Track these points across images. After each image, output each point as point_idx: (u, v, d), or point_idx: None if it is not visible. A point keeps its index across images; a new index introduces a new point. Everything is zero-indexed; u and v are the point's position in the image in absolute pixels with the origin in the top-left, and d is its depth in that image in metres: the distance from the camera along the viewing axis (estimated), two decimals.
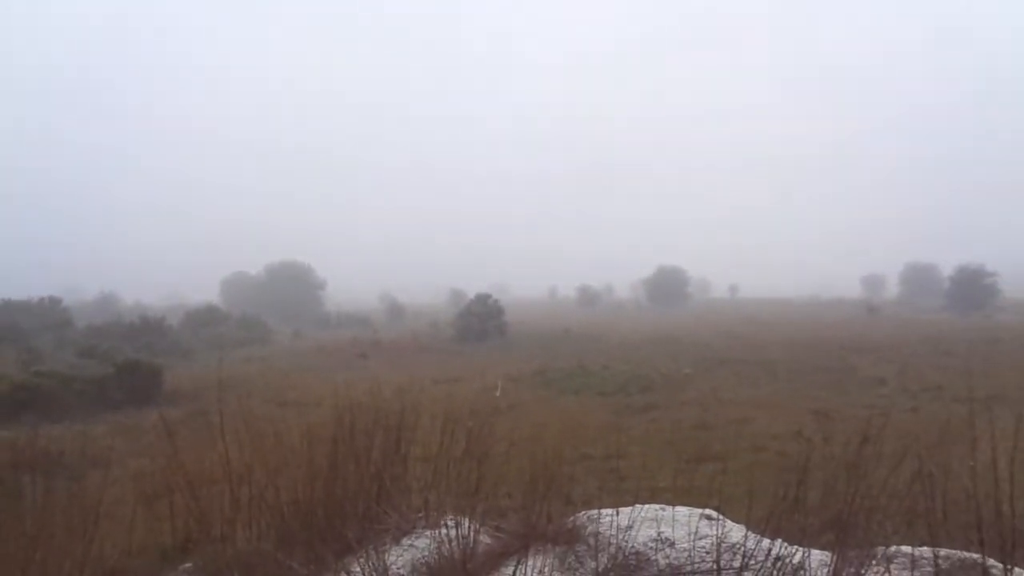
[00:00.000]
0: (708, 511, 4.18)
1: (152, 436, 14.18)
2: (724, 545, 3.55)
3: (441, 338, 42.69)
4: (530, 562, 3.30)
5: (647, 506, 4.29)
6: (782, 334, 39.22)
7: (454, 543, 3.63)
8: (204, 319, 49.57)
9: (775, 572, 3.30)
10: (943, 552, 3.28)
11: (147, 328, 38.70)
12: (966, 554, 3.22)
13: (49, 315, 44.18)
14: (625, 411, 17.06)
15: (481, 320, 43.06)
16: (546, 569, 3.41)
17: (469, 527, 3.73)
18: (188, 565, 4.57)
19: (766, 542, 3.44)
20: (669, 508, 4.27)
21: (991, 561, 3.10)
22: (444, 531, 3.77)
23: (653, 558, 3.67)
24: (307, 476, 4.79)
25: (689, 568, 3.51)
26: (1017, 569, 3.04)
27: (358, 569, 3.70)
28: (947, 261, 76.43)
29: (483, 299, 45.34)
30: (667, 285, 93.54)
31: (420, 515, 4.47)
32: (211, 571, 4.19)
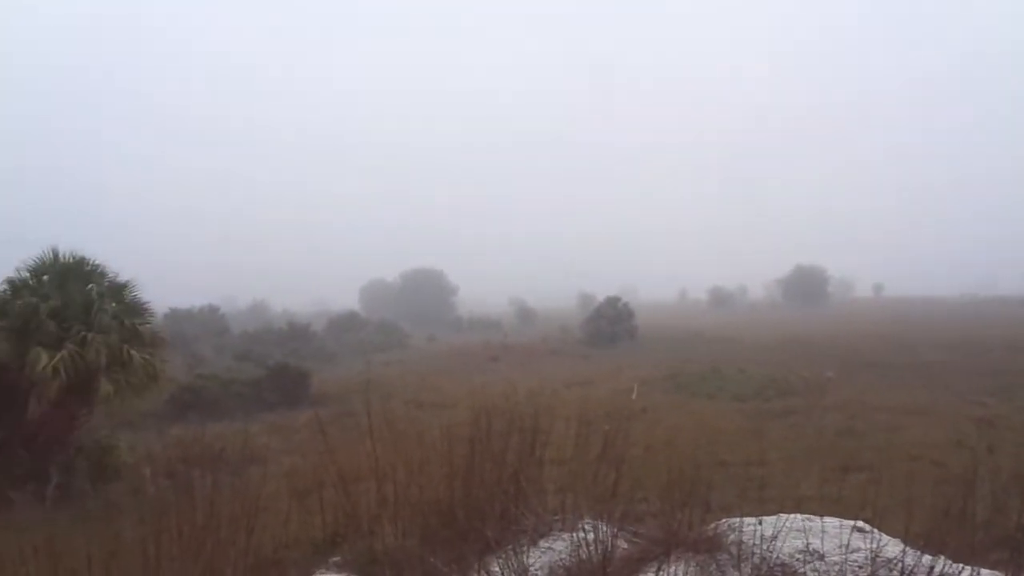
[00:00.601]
0: (860, 523, 3.95)
1: (302, 435, 15.08)
2: (879, 560, 3.35)
3: (571, 341, 42.74)
4: (670, 569, 3.24)
5: (792, 516, 4.11)
6: (937, 335, 36.50)
7: (592, 547, 3.62)
8: (346, 325, 52.07)
9: None
10: None
11: (295, 334, 41.09)
12: None
13: (209, 322, 47.86)
14: (763, 416, 16.42)
15: (611, 323, 42.77)
16: None
17: (607, 531, 3.71)
18: (337, 558, 4.81)
19: (927, 558, 3.22)
20: (816, 518, 4.07)
21: None
22: (581, 534, 3.76)
23: (801, 571, 3.51)
24: (446, 476, 4.93)
25: None
26: None
27: (498, 569, 3.76)
28: None
29: (613, 302, 45.02)
30: (805, 285, 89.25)
31: (557, 517, 4.49)
32: (359, 565, 4.39)
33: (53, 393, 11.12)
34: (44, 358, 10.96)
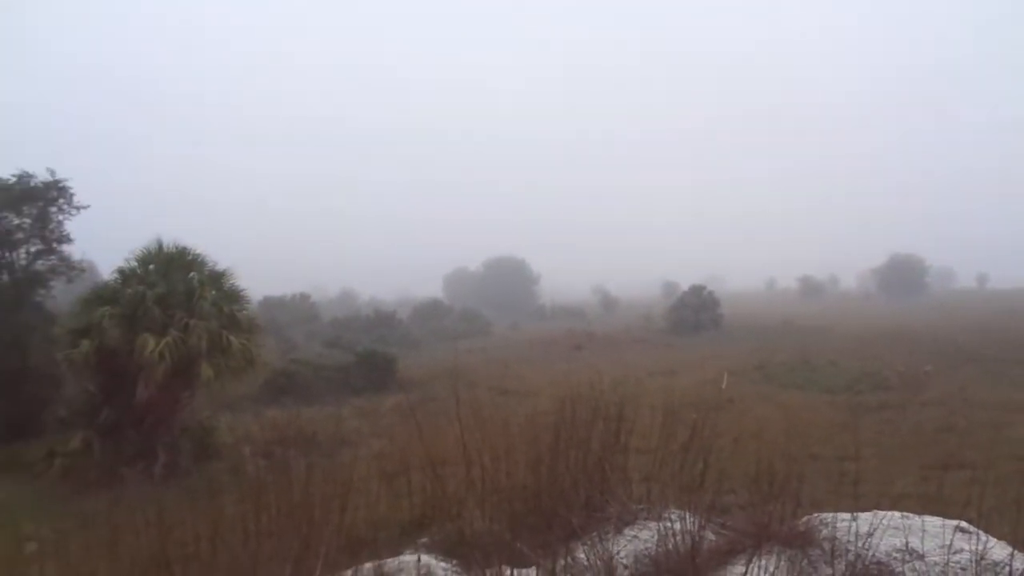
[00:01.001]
0: (963, 523, 3.78)
1: (389, 419, 15.46)
2: (985, 562, 3.21)
3: (654, 330, 42.24)
4: (760, 562, 3.18)
5: (889, 513, 3.97)
6: None
7: (679, 537, 3.59)
8: (430, 312, 53.00)
9: None
10: None
11: (381, 321, 42.12)
12: None
13: (300, 310, 49.58)
14: (855, 410, 15.84)
15: (695, 312, 42.06)
16: (777, 572, 3.26)
17: (694, 521, 3.67)
18: (425, 540, 4.93)
19: None
20: (915, 517, 3.92)
21: None
22: (668, 524, 3.74)
23: (898, 570, 3.39)
24: (531, 462, 4.98)
25: None
26: None
27: (583, 556, 3.78)
28: None
29: (697, 290, 44.24)
30: (901, 275, 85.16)
31: (642, 506, 4.47)
32: (447, 547, 4.48)
33: (159, 377, 11.78)
34: (151, 343, 11.62)
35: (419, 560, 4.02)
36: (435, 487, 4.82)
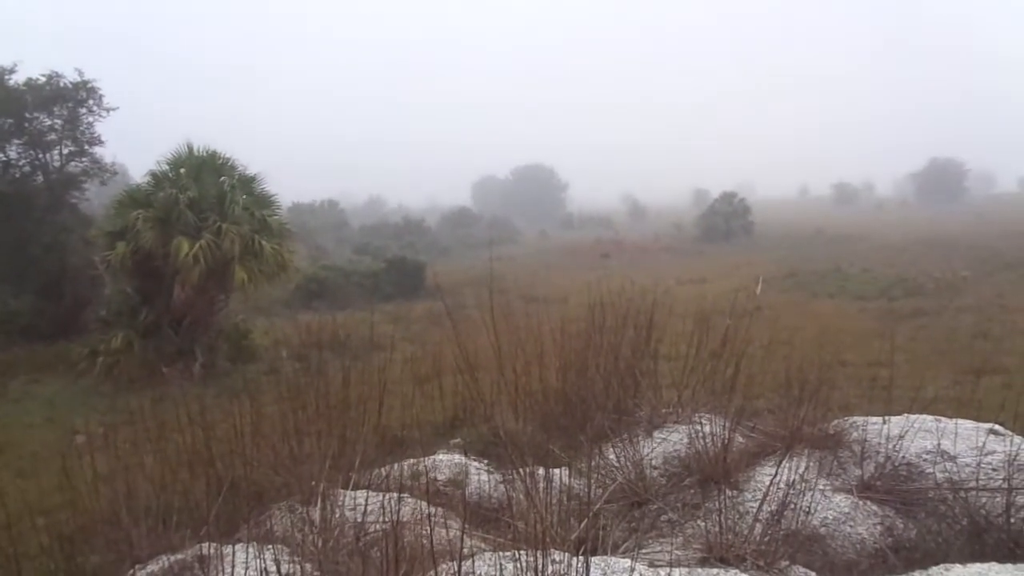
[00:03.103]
0: (996, 426, 3.78)
1: (420, 325, 15.70)
2: (1017, 463, 3.21)
3: (684, 239, 41.86)
4: (790, 464, 3.21)
5: (921, 416, 3.97)
6: None
7: (708, 439, 3.64)
8: (458, 220, 52.89)
9: None
10: None
11: (409, 228, 42.25)
12: None
13: (328, 216, 49.80)
14: (888, 317, 15.69)
15: (726, 220, 41.46)
16: (807, 473, 3.30)
17: (724, 425, 3.70)
18: (458, 440, 5.06)
19: None
20: (947, 420, 3.92)
21: None
22: (697, 427, 3.78)
23: (929, 471, 3.41)
24: (562, 367, 5.04)
25: (972, 484, 3.22)
26: None
27: (613, 457, 3.86)
28: None
29: (728, 198, 43.47)
30: (940, 180, 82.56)
31: (671, 411, 4.53)
32: (480, 446, 4.61)
33: (195, 279, 11.97)
34: (186, 247, 11.76)
35: (455, 458, 4.15)
36: (470, 389, 4.90)
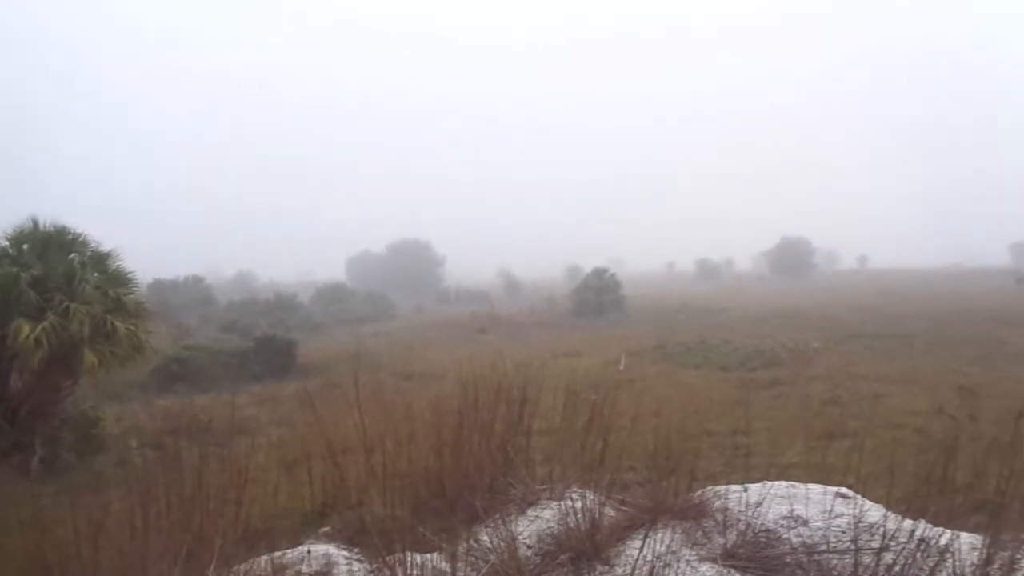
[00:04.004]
0: (843, 490, 4.00)
1: (289, 406, 15.08)
2: (862, 525, 3.40)
3: (558, 312, 42.85)
4: (657, 536, 3.28)
5: (777, 483, 4.16)
6: (920, 306, 36.84)
7: (579, 515, 3.65)
8: (332, 296, 51.93)
9: (918, 554, 3.13)
10: None
11: (281, 304, 40.99)
12: None
13: (193, 293, 47.58)
14: (749, 386, 16.56)
15: (598, 294, 42.86)
16: (673, 544, 3.37)
17: (594, 499, 3.74)
18: (327, 529, 4.83)
19: (908, 522, 3.27)
20: (801, 485, 4.13)
21: None
22: (569, 503, 3.80)
23: (785, 536, 3.56)
24: (435, 446, 4.96)
25: (824, 547, 3.38)
26: None
27: (486, 538, 3.79)
28: None
29: (600, 273, 45.08)
30: (791, 257, 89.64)
31: (544, 487, 4.52)
32: (348, 535, 4.41)
33: (35, 364, 11.00)
34: (26, 329, 10.83)
35: (308, 552, 3.94)
36: (333, 474, 4.73)
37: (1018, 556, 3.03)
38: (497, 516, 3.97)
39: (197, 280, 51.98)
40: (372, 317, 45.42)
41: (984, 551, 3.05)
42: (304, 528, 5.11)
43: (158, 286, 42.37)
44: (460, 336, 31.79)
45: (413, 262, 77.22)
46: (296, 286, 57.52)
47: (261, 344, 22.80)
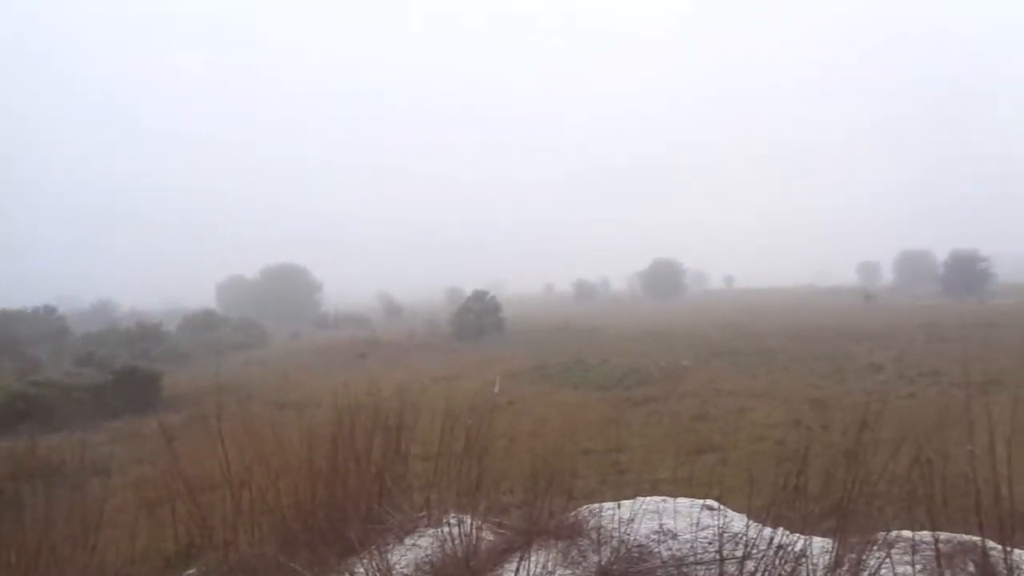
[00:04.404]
0: (709, 502, 4.18)
1: (152, 442, 14.16)
2: (726, 535, 3.56)
3: (439, 336, 42.70)
4: (533, 558, 3.30)
5: (649, 498, 4.29)
6: (779, 323, 39.26)
7: (457, 541, 3.63)
8: (201, 323, 49.49)
9: (777, 560, 3.30)
10: (943, 536, 3.30)
11: (144, 334, 38.69)
12: (966, 537, 3.23)
13: (45, 324, 44.02)
14: (624, 404, 17.07)
15: (479, 317, 43.08)
16: (549, 564, 3.41)
17: (471, 524, 3.73)
18: (191, 571, 4.56)
19: (767, 531, 3.45)
20: (671, 500, 4.27)
21: (990, 543, 3.12)
22: (447, 529, 3.77)
23: (656, 550, 3.67)
24: (308, 478, 4.79)
25: (692, 559, 3.51)
26: (1017, 550, 3.06)
27: (361, 570, 3.69)
28: (941, 247, 76.54)
29: (480, 296, 45.35)
30: (663, 277, 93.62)
31: (422, 514, 4.47)
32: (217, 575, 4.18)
33: None
34: None
35: None
36: (199, 514, 4.48)
37: (864, 557, 3.26)
38: (373, 547, 3.88)
39: (49, 311, 48.18)
40: (245, 345, 43.62)
41: (834, 554, 3.26)
42: (167, 571, 4.80)
43: (2, 318, 39.03)
44: (339, 362, 31.06)
45: (288, 287, 75.01)
46: (161, 314, 54.49)
47: (121, 377, 21.41)
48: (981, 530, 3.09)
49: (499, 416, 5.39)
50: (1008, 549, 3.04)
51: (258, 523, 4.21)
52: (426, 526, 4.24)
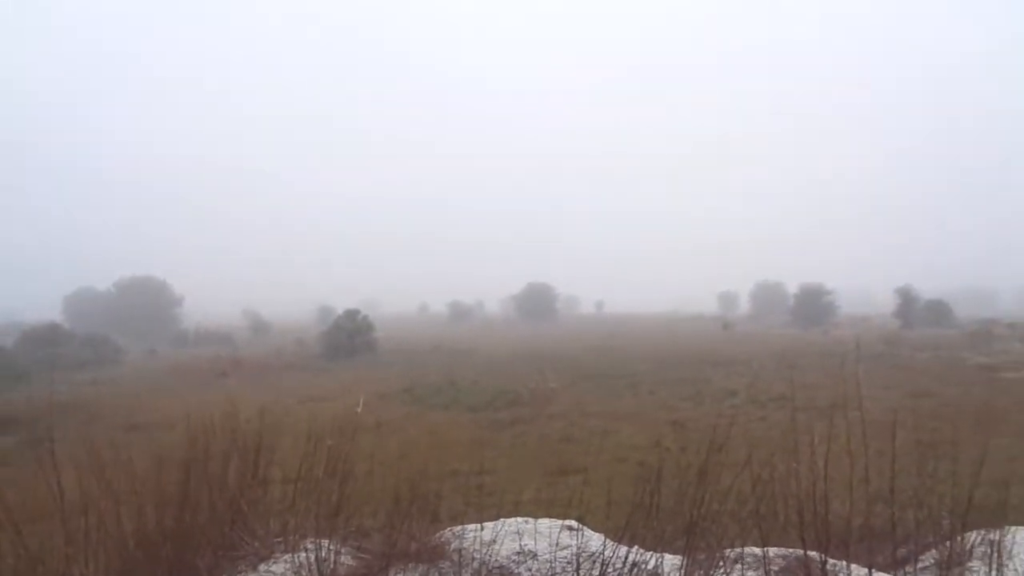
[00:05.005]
0: (570, 522, 4.27)
1: None
2: (584, 554, 3.65)
3: (308, 355, 41.51)
4: None
5: (511, 520, 4.34)
6: (645, 348, 40.84)
7: (313, 566, 3.53)
8: (44, 338, 45.63)
9: None
10: (776, 551, 3.54)
11: None
12: (797, 551, 3.47)
13: None
14: (493, 426, 17.19)
15: (350, 336, 42.24)
16: None
17: (329, 549, 3.64)
18: None
19: (623, 549, 3.57)
20: (532, 520, 4.33)
21: (812, 554, 3.36)
22: (303, 555, 3.66)
23: (516, 571, 3.71)
24: (155, 504, 4.51)
25: None
26: (831, 560, 3.32)
27: None
28: (793, 279, 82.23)
29: (352, 315, 44.50)
30: (536, 301, 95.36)
31: (279, 540, 4.32)
32: None
33: None
34: None
35: None
36: (19, 544, 4.12)
37: (711, 573, 3.43)
38: (224, 575, 3.72)
39: None
40: (94, 362, 40.68)
41: (683, 570, 3.42)
42: None
43: None
44: (198, 382, 29.53)
45: (145, 301, 70.67)
46: None
47: None
48: (804, 544, 3.31)
49: (367, 438, 5.29)
50: (823, 558, 3.29)
51: (95, 553, 3.92)
52: (282, 552, 4.10)
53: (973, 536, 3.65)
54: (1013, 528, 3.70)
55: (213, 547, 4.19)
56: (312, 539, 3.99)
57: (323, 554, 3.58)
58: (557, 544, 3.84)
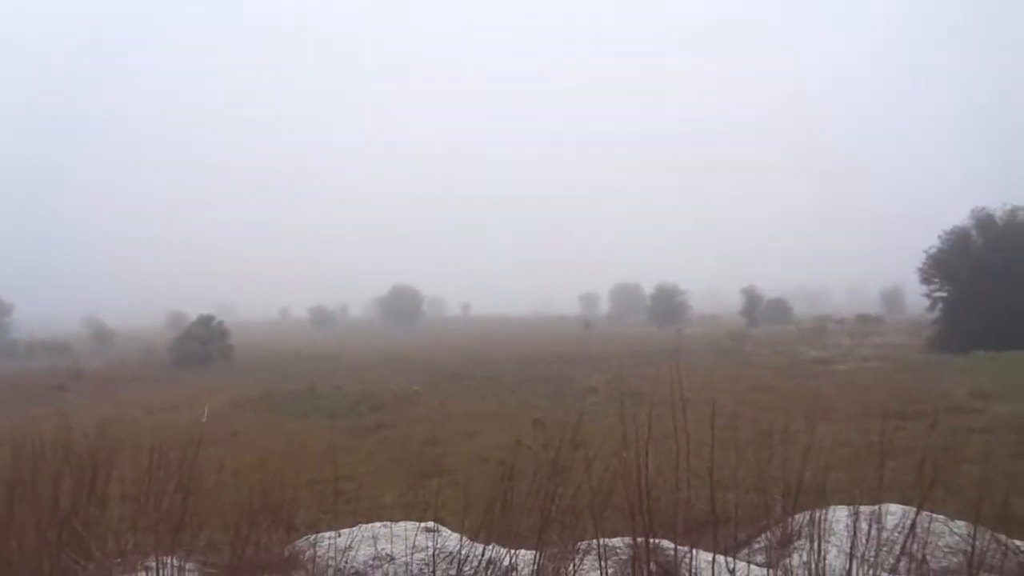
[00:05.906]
0: (428, 524, 4.28)
1: None
2: (441, 555, 3.68)
3: (157, 365, 39.18)
4: None
5: (369, 525, 4.30)
6: (509, 349, 41.43)
7: None
8: None
9: (488, 575, 3.49)
10: (625, 541, 3.71)
11: None
12: (655, 540, 3.62)
13: None
14: (356, 432, 16.90)
15: (204, 344, 40.28)
16: None
17: (173, 566, 3.47)
18: None
19: (479, 547, 3.62)
20: (391, 524, 4.31)
21: (664, 542, 3.55)
22: (144, 574, 3.47)
23: (373, 575, 3.69)
24: None
25: None
26: (680, 548, 3.52)
27: None
28: (652, 280, 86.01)
29: (206, 321, 42.43)
30: (402, 304, 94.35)
31: (118, 561, 4.06)
32: None
33: None
34: None
35: None
36: None
37: (560, 567, 3.54)
38: None
39: None
40: None
41: (536, 564, 3.51)
42: None
43: None
44: (31, 396, 27.13)
45: None
46: None
47: None
48: (633, 532, 3.44)
49: (218, 449, 5.09)
50: (641, 540, 3.43)
51: None
52: (121, 573, 3.87)
53: (800, 517, 3.96)
54: (833, 507, 4.05)
55: (40, 574, 3.89)
56: (155, 557, 3.79)
57: (166, 572, 3.40)
58: (414, 547, 3.84)
